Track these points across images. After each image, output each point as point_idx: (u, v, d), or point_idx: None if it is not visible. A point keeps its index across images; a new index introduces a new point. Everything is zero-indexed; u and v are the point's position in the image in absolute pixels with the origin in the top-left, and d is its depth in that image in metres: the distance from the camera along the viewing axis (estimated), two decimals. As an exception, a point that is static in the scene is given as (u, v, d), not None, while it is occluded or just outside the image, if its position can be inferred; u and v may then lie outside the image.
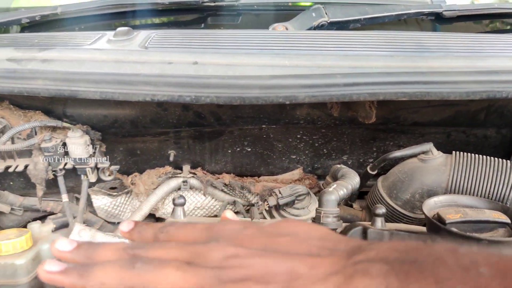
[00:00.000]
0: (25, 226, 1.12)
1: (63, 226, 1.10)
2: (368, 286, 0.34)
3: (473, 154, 0.88)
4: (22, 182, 1.07)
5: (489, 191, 0.84)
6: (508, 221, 0.71)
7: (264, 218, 0.93)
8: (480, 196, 0.84)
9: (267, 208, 0.96)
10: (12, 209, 1.09)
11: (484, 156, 0.87)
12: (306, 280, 0.37)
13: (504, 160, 0.86)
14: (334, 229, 0.84)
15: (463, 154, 0.88)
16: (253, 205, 1.11)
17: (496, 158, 0.87)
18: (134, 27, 1.07)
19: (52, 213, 1.12)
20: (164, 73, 0.76)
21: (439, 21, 1.10)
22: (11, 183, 1.07)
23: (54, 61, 0.81)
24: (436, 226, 0.71)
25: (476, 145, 1.03)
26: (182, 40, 0.85)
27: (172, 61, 0.78)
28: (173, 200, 0.84)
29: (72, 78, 0.76)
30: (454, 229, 0.69)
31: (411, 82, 0.73)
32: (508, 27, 1.25)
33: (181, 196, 0.85)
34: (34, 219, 1.13)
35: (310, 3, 1.07)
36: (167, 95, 0.73)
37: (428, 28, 1.16)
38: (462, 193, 0.85)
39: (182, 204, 0.84)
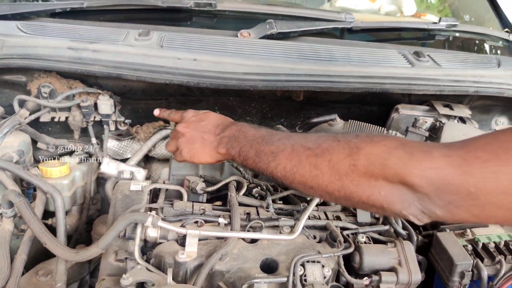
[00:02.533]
0: (53, 159, 1.56)
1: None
2: (221, 148, 1.03)
3: (360, 122, 1.43)
4: (57, 129, 1.51)
5: (366, 145, 1.41)
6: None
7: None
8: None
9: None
10: (47, 146, 1.52)
11: (367, 124, 1.43)
12: (206, 141, 1.06)
13: (379, 127, 1.43)
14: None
15: (354, 121, 1.44)
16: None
17: (374, 125, 1.43)
18: (140, 20, 1.51)
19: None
20: (175, 66, 1.23)
21: (349, 32, 1.64)
22: (49, 128, 1.50)
23: (102, 52, 1.25)
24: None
25: (366, 116, 1.60)
26: (185, 41, 1.32)
27: (180, 57, 1.26)
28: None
29: (118, 65, 1.21)
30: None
31: (323, 80, 1.27)
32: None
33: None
34: (61, 155, 1.57)
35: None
36: (179, 80, 1.22)
37: (342, 37, 1.69)
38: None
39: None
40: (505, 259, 0.99)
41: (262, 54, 1.33)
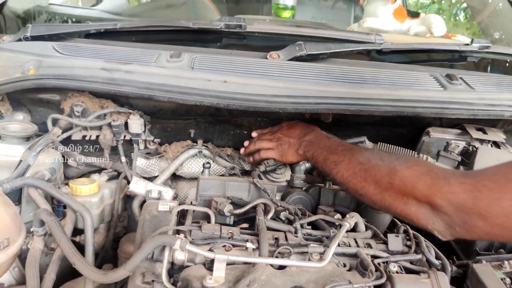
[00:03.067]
0: (81, 176, 1.59)
1: (113, 178, 1.57)
2: (300, 150, 1.28)
3: (390, 145, 1.41)
4: (88, 147, 1.53)
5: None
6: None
7: (260, 179, 1.43)
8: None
9: (259, 173, 1.47)
10: (77, 164, 1.55)
11: (397, 146, 1.41)
12: (291, 144, 1.31)
13: (408, 150, 1.41)
14: (300, 188, 1.37)
15: (383, 144, 1.41)
16: (246, 170, 1.63)
17: (404, 148, 1.41)
18: (171, 41, 1.54)
19: (104, 168, 1.59)
20: (206, 87, 1.24)
21: (379, 53, 1.63)
22: (80, 146, 1.53)
23: (134, 73, 1.27)
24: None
25: (395, 138, 1.57)
26: (215, 63, 1.33)
27: (210, 79, 1.27)
28: (203, 164, 1.34)
29: (150, 87, 1.23)
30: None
31: (352, 104, 1.26)
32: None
33: (208, 162, 1.36)
34: (90, 172, 1.59)
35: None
36: (209, 102, 1.22)
37: (372, 58, 1.68)
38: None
39: (209, 167, 1.35)
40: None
41: (291, 76, 1.33)
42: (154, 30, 1.57)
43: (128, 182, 1.56)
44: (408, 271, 1.02)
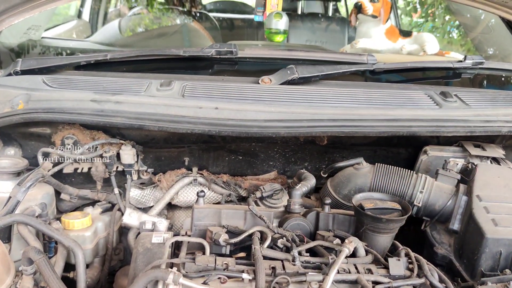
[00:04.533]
0: (75, 210, 1.56)
1: (107, 210, 1.54)
2: None
3: (387, 165, 1.38)
4: (80, 179, 1.51)
5: (395, 190, 1.35)
6: (400, 207, 1.22)
7: (257, 205, 1.39)
8: (390, 193, 1.35)
9: (255, 199, 1.44)
10: (70, 197, 1.52)
11: (394, 167, 1.38)
12: None
13: (407, 170, 1.38)
14: (298, 213, 1.33)
15: (381, 165, 1.38)
16: (243, 197, 1.59)
17: (402, 168, 1.38)
18: (161, 69, 1.53)
19: (98, 201, 1.56)
20: (197, 115, 1.23)
21: (372, 73, 1.62)
22: (72, 179, 1.51)
23: (124, 103, 1.26)
24: (359, 211, 1.21)
25: (392, 158, 1.55)
26: (206, 90, 1.32)
27: (201, 106, 1.25)
28: (197, 193, 1.31)
29: (140, 116, 1.21)
30: (369, 213, 1.20)
31: (346, 125, 1.24)
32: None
33: (202, 191, 1.33)
34: (84, 205, 1.56)
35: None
36: (200, 129, 1.20)
37: (365, 78, 1.67)
38: (379, 191, 1.36)
39: (203, 196, 1.31)
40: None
41: (284, 100, 1.32)
42: (144, 60, 1.57)
43: (123, 214, 1.53)
44: (413, 297, 0.98)
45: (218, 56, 1.54)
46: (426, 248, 1.33)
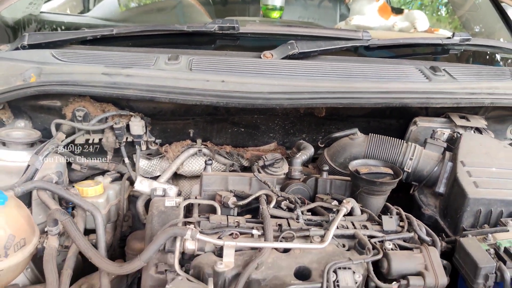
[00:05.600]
0: (85, 179, 1.64)
1: (116, 180, 1.63)
2: None
3: (380, 135, 1.49)
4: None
5: (387, 157, 1.47)
6: (392, 172, 1.33)
7: (259, 173, 1.49)
8: (381, 160, 1.46)
9: (258, 167, 1.54)
10: (81, 167, 1.60)
11: (387, 136, 1.49)
12: None
13: (398, 139, 1.49)
14: (298, 179, 1.44)
15: (374, 135, 1.49)
16: (245, 167, 1.69)
17: (394, 138, 1.49)
18: (166, 44, 1.60)
19: (107, 171, 1.64)
20: (205, 87, 1.31)
21: (367, 49, 1.71)
22: (83, 150, 1.58)
23: (135, 76, 1.33)
24: (355, 176, 1.32)
25: (385, 129, 1.66)
26: (212, 64, 1.40)
27: (208, 80, 1.33)
28: (205, 161, 1.41)
29: (151, 89, 1.29)
30: (364, 177, 1.31)
31: (344, 97, 1.33)
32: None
33: (210, 159, 1.42)
34: (93, 175, 1.65)
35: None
36: (209, 101, 1.29)
37: (360, 54, 1.76)
38: (372, 158, 1.47)
39: (211, 164, 1.41)
40: (528, 262, 1.03)
41: (285, 73, 1.40)
42: (149, 35, 1.63)
43: (131, 183, 1.63)
44: (402, 248, 1.10)
45: (220, 32, 1.61)
46: (414, 210, 1.45)
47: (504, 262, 1.05)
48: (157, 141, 1.59)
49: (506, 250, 1.07)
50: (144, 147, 1.58)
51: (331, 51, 1.60)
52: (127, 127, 1.51)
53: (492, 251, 1.08)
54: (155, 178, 1.66)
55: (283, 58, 1.52)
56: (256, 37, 1.69)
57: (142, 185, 1.50)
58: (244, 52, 1.58)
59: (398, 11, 2.32)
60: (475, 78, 1.52)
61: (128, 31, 1.60)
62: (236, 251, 1.04)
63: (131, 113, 1.48)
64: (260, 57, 1.51)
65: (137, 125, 1.49)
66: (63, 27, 2.30)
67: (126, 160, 1.55)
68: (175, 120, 1.59)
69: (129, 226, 1.67)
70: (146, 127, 1.53)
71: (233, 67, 1.40)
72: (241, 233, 1.09)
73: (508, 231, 1.15)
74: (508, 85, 1.52)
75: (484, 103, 1.44)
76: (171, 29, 1.61)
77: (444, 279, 1.02)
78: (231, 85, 1.32)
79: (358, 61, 1.61)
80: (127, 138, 1.54)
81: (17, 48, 1.60)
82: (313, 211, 1.26)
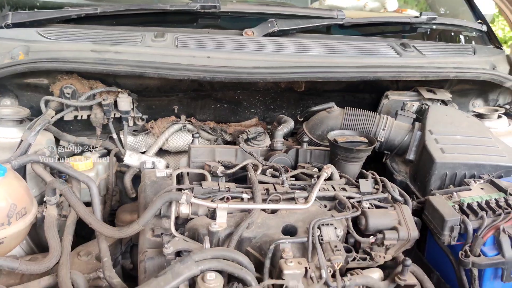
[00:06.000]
0: (73, 155, 1.68)
1: (103, 155, 1.68)
2: None
3: (355, 108, 1.60)
4: (78, 127, 1.63)
5: (362, 129, 1.58)
6: (366, 141, 1.45)
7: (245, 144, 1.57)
8: (356, 130, 1.57)
9: (242, 140, 1.62)
10: (68, 144, 1.65)
11: (361, 109, 1.60)
12: None
13: (372, 112, 1.60)
14: (280, 150, 1.53)
15: (350, 108, 1.60)
16: (228, 141, 1.77)
17: (367, 111, 1.60)
18: (150, 23, 1.65)
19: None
20: (192, 63, 1.38)
21: (341, 27, 1.81)
22: (71, 127, 1.63)
23: (123, 53, 1.39)
24: (334, 144, 1.43)
25: (359, 103, 1.77)
26: (197, 41, 1.47)
27: (195, 56, 1.40)
28: (192, 134, 1.48)
29: (140, 64, 1.35)
30: (342, 145, 1.42)
31: (323, 71, 1.43)
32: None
33: (197, 132, 1.50)
34: (82, 151, 1.69)
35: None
36: (196, 76, 1.36)
37: (333, 32, 1.85)
38: (348, 129, 1.57)
39: (198, 137, 1.49)
40: (486, 214, 1.16)
41: (267, 50, 1.49)
42: (133, 14, 1.67)
43: (118, 159, 1.68)
44: (378, 207, 1.22)
45: (202, 11, 1.67)
46: (386, 177, 1.56)
47: (467, 216, 1.18)
48: (144, 116, 1.65)
49: (469, 206, 1.21)
50: (131, 123, 1.64)
51: (308, 29, 1.69)
52: (115, 103, 1.57)
53: (456, 207, 1.21)
54: (142, 153, 1.73)
55: (264, 36, 1.60)
56: (236, 15, 1.76)
57: (131, 159, 1.56)
58: (226, 30, 1.65)
59: (369, -8, 2.43)
60: (441, 54, 1.65)
61: (112, 10, 1.63)
62: (228, 213, 1.13)
63: (119, 90, 1.53)
64: (242, 35, 1.58)
65: (125, 101, 1.54)
66: (36, 6, 2.29)
67: (115, 136, 1.61)
68: (160, 97, 1.65)
69: (117, 201, 1.73)
70: (133, 103, 1.59)
71: (217, 44, 1.47)
72: (232, 197, 1.18)
73: (470, 190, 1.29)
74: (471, 60, 1.66)
75: (450, 76, 1.56)
76: (154, 7, 1.66)
77: (415, 232, 1.14)
78: (216, 61, 1.40)
79: (335, 38, 1.71)
80: (114, 114, 1.59)
81: (0, 27, 1.61)
82: (296, 178, 1.36)
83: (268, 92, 1.68)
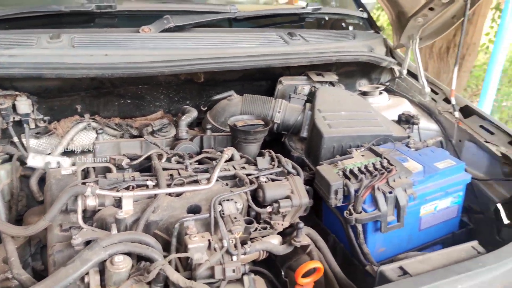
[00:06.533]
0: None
1: (5, 161, 1.64)
2: None
3: (253, 95, 1.72)
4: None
5: (260, 113, 1.71)
6: (263, 123, 1.58)
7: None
8: (256, 115, 1.70)
9: (147, 133, 1.68)
10: (-34, 152, 1.60)
11: (258, 95, 1.73)
12: None
13: (268, 97, 1.73)
14: (186, 138, 1.62)
15: (248, 95, 1.72)
16: (135, 136, 1.82)
17: (264, 96, 1.73)
18: (45, 26, 1.64)
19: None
20: (90, 61, 1.41)
21: (235, 21, 1.93)
22: (-32, 135, 1.58)
23: (18, 56, 1.38)
24: (233, 129, 1.54)
25: (257, 90, 1.90)
26: (94, 40, 1.50)
27: (92, 54, 1.44)
28: (96, 131, 1.52)
29: (37, 66, 1.36)
30: (240, 128, 1.53)
31: (218, 62, 1.54)
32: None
33: (101, 128, 1.53)
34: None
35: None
36: (94, 73, 1.40)
37: (230, 25, 1.97)
38: (247, 114, 1.70)
39: (102, 133, 1.53)
40: (365, 176, 1.34)
41: (164, 45, 1.56)
42: (27, 17, 1.65)
43: (21, 164, 1.66)
44: (274, 181, 1.35)
45: (98, 11, 1.70)
46: (285, 155, 1.72)
47: (349, 179, 1.35)
48: (46, 118, 1.64)
49: (351, 171, 1.38)
50: (32, 125, 1.62)
51: (203, 24, 1.79)
52: (13, 107, 1.55)
53: (340, 173, 1.38)
54: (47, 155, 1.71)
55: (160, 32, 1.66)
56: (133, 14, 1.80)
57: (35, 161, 1.55)
58: (124, 28, 1.69)
59: (262, -14, 2.59)
60: (325, 40, 1.83)
61: (4, 14, 1.60)
62: (134, 201, 1.20)
63: (17, 93, 1.52)
64: (139, 32, 1.64)
65: (24, 104, 1.53)
66: None
67: (16, 139, 1.59)
68: (61, 97, 1.66)
69: (24, 206, 1.71)
70: (33, 105, 1.58)
71: (115, 42, 1.51)
72: (138, 186, 1.25)
73: (353, 157, 1.47)
74: (351, 44, 1.86)
75: (332, 60, 1.75)
76: (48, 10, 1.65)
77: (306, 199, 1.29)
78: (114, 58, 1.44)
79: (229, 31, 1.83)
80: (14, 118, 1.57)
81: None
82: (201, 162, 1.46)
83: (170, 85, 1.75)
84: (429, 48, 5.07)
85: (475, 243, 1.16)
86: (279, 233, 1.30)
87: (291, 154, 1.68)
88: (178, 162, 1.42)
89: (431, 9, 1.89)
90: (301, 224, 1.23)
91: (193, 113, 1.69)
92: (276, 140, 1.77)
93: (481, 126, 1.78)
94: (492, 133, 1.74)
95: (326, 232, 1.50)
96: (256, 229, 1.26)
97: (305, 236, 1.27)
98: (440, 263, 1.05)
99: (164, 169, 1.33)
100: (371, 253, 1.34)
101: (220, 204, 1.20)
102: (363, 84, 2.12)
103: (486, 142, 1.71)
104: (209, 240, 1.09)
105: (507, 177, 1.59)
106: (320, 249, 1.31)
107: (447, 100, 1.92)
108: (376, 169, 1.39)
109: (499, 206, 1.54)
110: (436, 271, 0.99)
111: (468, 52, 5.07)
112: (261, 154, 1.54)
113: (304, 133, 1.69)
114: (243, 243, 1.16)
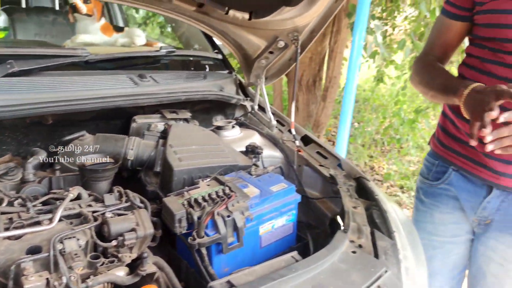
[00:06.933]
0: None
1: None
2: None
3: (105, 134, 1.78)
4: None
5: (113, 151, 1.76)
6: (112, 161, 1.64)
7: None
8: (109, 154, 1.75)
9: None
10: None
11: (111, 134, 1.78)
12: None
13: (121, 135, 1.80)
14: (33, 180, 1.60)
15: (100, 134, 1.77)
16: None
17: (116, 135, 1.79)
18: None
19: None
20: None
21: (87, 64, 1.99)
22: None
23: None
24: (82, 168, 1.58)
25: (112, 129, 1.96)
26: None
27: None
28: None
29: None
30: (88, 167, 1.57)
31: (64, 105, 1.58)
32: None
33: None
34: None
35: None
36: None
37: (84, 68, 2.02)
38: (100, 153, 1.74)
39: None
40: (208, 204, 1.48)
41: (6, 90, 1.56)
42: None
43: None
44: (120, 215, 1.42)
45: None
46: (141, 190, 1.80)
47: (193, 208, 1.47)
48: None
49: (195, 200, 1.51)
50: None
51: (53, 68, 1.82)
52: None
53: (186, 202, 1.50)
54: None
55: (3, 77, 1.66)
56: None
57: None
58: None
59: (119, 29, 2.67)
60: (175, 81, 1.98)
61: None
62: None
63: None
64: (-22, 78, 1.61)
65: None
66: None
67: None
68: None
69: None
70: None
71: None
72: (-27, 233, 1.22)
73: (199, 187, 1.60)
74: (201, 84, 2.03)
75: (181, 99, 1.89)
76: None
77: (151, 230, 1.37)
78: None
79: (79, 74, 1.88)
80: None
81: None
82: (47, 203, 1.47)
83: (17, 128, 1.73)
84: (298, 82, 5.59)
85: (295, 253, 1.35)
86: (129, 265, 1.36)
87: (146, 188, 1.76)
88: (22, 205, 1.42)
89: (271, 52, 2.16)
90: (145, 254, 1.31)
91: (40, 155, 1.68)
92: (133, 176, 1.84)
93: (318, 152, 2.07)
94: (325, 158, 2.03)
95: (179, 259, 1.59)
96: (103, 263, 1.30)
97: (152, 264, 1.35)
98: (263, 273, 1.21)
99: (3, 213, 1.32)
100: (218, 274, 1.46)
101: (61, 242, 1.23)
102: (218, 119, 2.30)
103: (320, 165, 1.98)
104: (47, 279, 1.12)
105: (336, 195, 1.86)
106: (167, 274, 1.39)
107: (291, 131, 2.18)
108: (218, 196, 1.54)
109: (338, 218, 1.79)
110: (256, 280, 1.15)
111: (331, 84, 5.72)
112: (111, 191, 1.60)
113: (158, 168, 1.78)
114: (86, 278, 1.20)
